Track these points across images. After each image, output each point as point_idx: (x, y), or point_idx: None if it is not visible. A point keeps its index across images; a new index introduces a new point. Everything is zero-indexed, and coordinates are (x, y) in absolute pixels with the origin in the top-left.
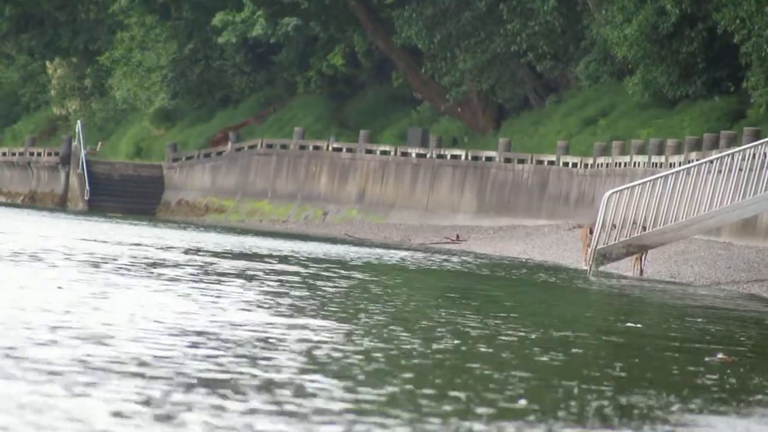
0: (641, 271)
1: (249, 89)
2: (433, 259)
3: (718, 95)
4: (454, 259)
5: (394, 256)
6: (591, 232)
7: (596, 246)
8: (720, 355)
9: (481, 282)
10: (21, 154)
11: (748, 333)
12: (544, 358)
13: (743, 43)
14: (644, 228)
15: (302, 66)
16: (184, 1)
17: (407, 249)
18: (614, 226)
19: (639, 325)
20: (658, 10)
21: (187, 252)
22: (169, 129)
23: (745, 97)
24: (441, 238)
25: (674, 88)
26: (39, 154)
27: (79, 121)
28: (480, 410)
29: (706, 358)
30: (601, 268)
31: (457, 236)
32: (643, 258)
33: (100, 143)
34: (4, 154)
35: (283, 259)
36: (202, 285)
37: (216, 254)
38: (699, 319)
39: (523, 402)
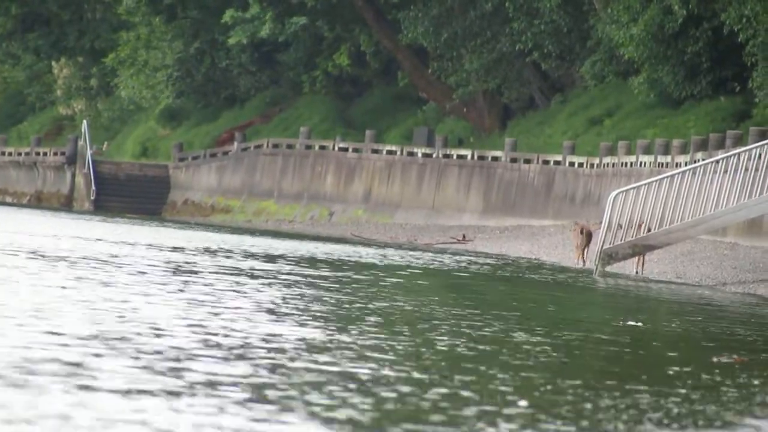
0: (636, 271)
1: (255, 89)
2: (440, 259)
3: (724, 95)
4: (460, 258)
5: (413, 256)
6: (582, 232)
7: (602, 246)
8: (726, 357)
9: (486, 282)
10: (27, 154)
11: (753, 333)
12: (546, 358)
13: (748, 42)
14: (640, 227)
15: (308, 66)
16: (190, 1)
17: (413, 249)
18: (620, 226)
19: (640, 324)
20: (664, 9)
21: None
22: (175, 129)
23: (751, 97)
24: (447, 238)
25: (680, 88)
26: (45, 154)
27: (84, 121)
28: (476, 411)
29: (714, 359)
30: (607, 268)
31: (464, 236)
32: (642, 257)
33: (105, 143)
34: (10, 154)
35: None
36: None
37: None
38: (703, 318)
39: (523, 403)
